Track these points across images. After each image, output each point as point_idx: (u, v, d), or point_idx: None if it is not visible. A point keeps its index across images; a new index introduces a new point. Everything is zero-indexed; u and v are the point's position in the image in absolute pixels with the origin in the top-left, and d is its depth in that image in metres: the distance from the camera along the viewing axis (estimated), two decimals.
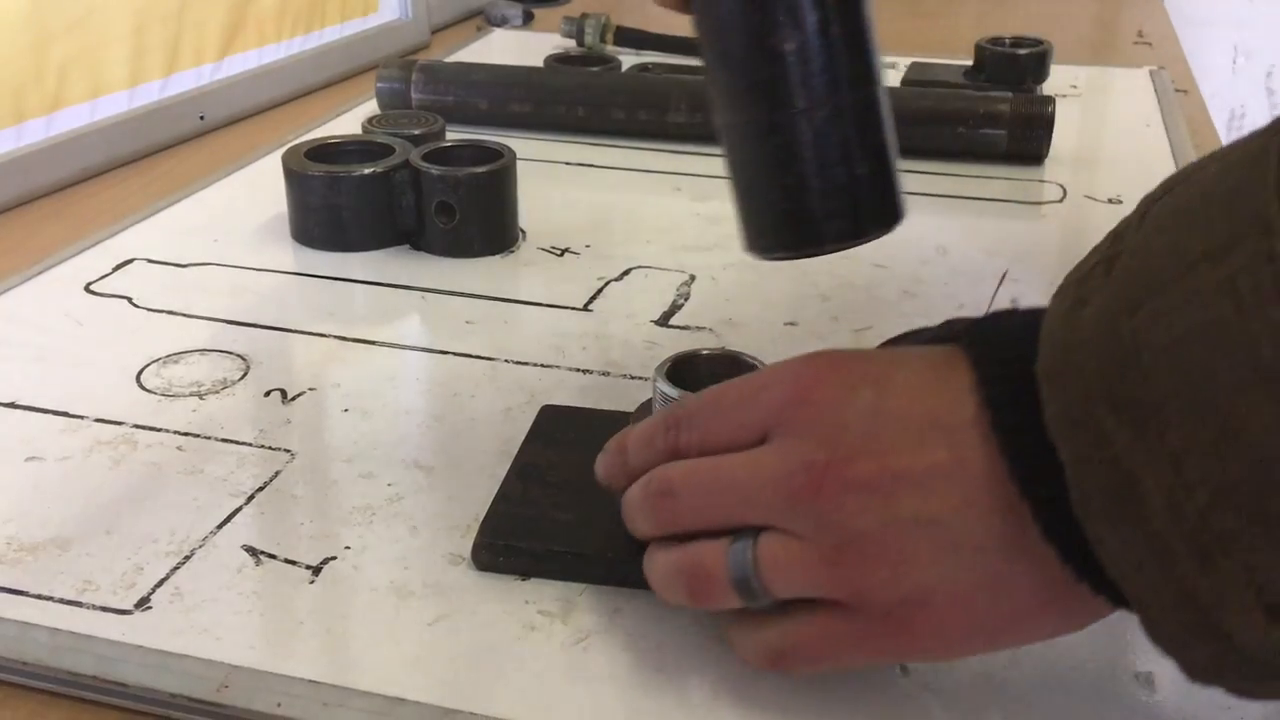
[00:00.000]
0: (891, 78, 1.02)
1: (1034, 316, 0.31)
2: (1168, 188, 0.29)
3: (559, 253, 0.68)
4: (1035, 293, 0.62)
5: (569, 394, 0.52)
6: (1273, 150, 0.25)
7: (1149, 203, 0.29)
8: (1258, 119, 1.84)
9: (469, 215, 0.66)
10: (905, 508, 0.31)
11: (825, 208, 0.38)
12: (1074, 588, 0.29)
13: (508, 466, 0.45)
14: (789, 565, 0.32)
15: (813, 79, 0.37)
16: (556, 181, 0.79)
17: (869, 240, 0.39)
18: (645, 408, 0.43)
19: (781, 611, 0.34)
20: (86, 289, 0.62)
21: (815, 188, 0.38)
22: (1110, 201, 0.75)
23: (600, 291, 0.63)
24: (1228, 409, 0.25)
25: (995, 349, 0.31)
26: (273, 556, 0.42)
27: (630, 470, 0.38)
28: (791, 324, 0.58)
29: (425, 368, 0.55)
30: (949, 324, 0.36)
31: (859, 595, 0.32)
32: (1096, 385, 0.27)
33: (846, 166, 0.38)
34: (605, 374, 0.54)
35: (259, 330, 0.58)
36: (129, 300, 0.61)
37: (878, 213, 0.39)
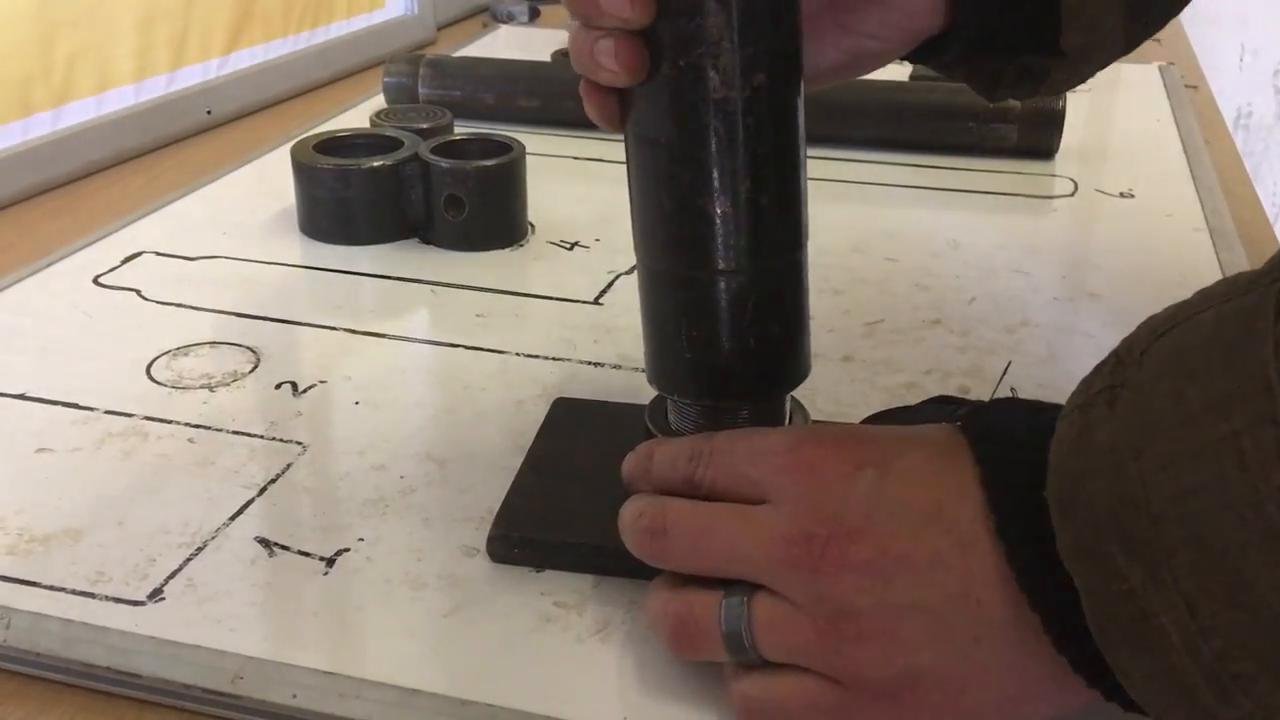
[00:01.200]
0: (900, 73, 1.02)
1: (1034, 415, 0.32)
2: (1170, 320, 0.29)
3: (569, 246, 0.67)
4: (1048, 287, 0.62)
5: (581, 387, 0.52)
6: (1269, 302, 0.26)
7: (1151, 336, 0.29)
8: (1265, 117, 1.84)
9: (478, 208, 0.66)
10: (902, 593, 0.31)
11: (731, 366, 0.38)
12: (1073, 681, 0.30)
13: (520, 459, 0.45)
14: (782, 630, 0.32)
15: (737, 243, 0.36)
16: (565, 175, 0.79)
17: (771, 399, 0.40)
18: (659, 402, 0.42)
19: (767, 667, 0.33)
20: (95, 282, 0.62)
21: (724, 346, 0.38)
22: (1122, 196, 0.75)
23: (611, 285, 0.62)
24: (1237, 564, 0.26)
25: (999, 449, 0.32)
26: (286, 548, 0.41)
27: (652, 480, 0.38)
28: None
29: (436, 361, 0.55)
30: (935, 403, 0.37)
31: (849, 671, 0.32)
32: (1107, 523, 0.28)
33: (758, 329, 0.38)
34: (617, 367, 0.54)
35: (268, 323, 0.58)
36: (138, 293, 0.61)
37: (784, 375, 0.39)
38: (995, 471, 0.31)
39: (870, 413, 0.48)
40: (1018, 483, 0.30)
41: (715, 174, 0.35)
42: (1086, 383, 0.30)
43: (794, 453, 0.34)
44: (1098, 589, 0.28)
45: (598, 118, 0.37)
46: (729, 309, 0.37)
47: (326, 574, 0.40)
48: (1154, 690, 0.28)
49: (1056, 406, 0.31)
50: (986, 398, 0.51)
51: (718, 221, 0.36)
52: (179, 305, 0.60)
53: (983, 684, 0.31)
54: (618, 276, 0.63)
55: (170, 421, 0.49)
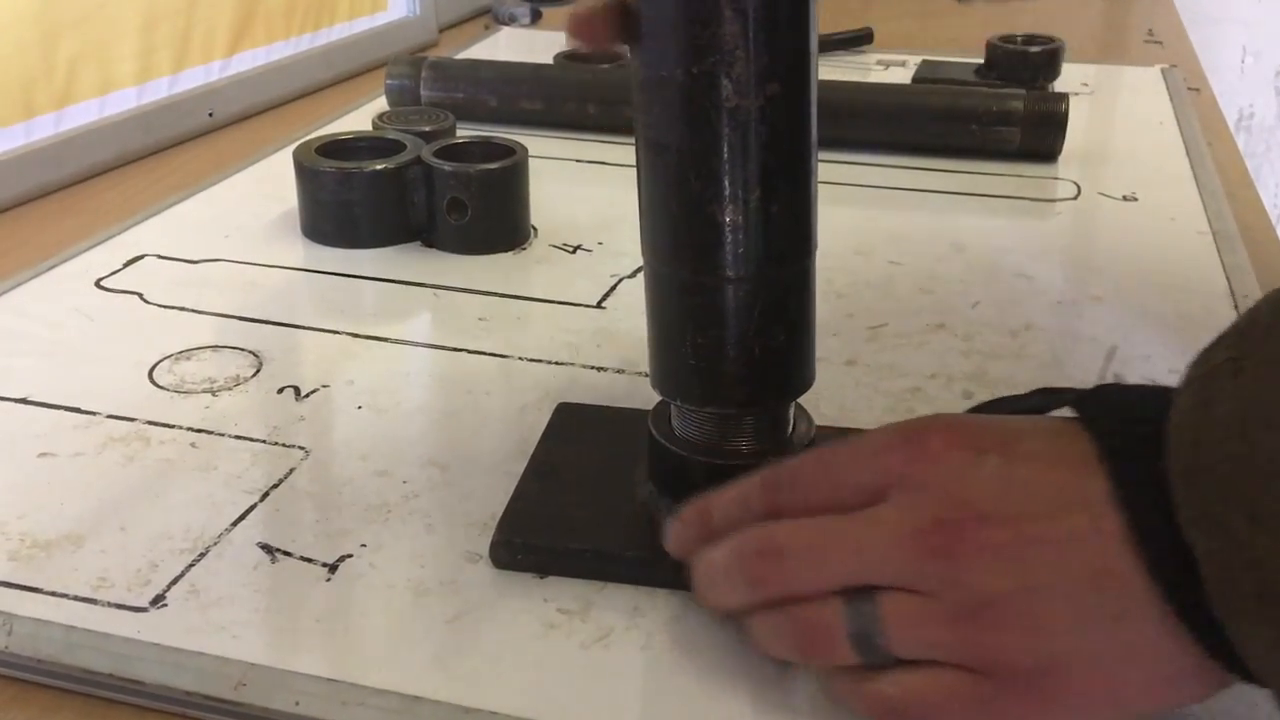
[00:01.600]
0: (902, 75, 1.02)
1: (1144, 394, 0.32)
2: None
3: (571, 250, 0.67)
4: (1052, 290, 0.62)
5: (584, 391, 0.52)
6: None
7: (1276, 311, 0.29)
8: (1266, 119, 1.84)
9: (481, 212, 0.65)
10: (1041, 575, 0.31)
11: (735, 374, 0.38)
12: (1205, 661, 0.29)
13: (524, 464, 0.45)
14: (917, 624, 0.32)
15: (745, 251, 0.36)
16: (567, 178, 0.79)
17: (776, 407, 0.40)
18: (662, 407, 0.42)
19: (899, 665, 0.33)
20: (97, 285, 0.62)
21: (729, 354, 0.38)
22: (1125, 199, 0.75)
23: (614, 289, 0.62)
24: None
25: (1117, 424, 0.32)
26: (288, 554, 0.41)
27: (716, 531, 0.36)
28: None
29: (438, 365, 0.55)
30: (1040, 393, 0.37)
31: (991, 660, 0.31)
32: (1231, 491, 0.27)
33: (763, 338, 0.37)
34: (620, 371, 0.54)
35: (271, 327, 0.58)
36: (140, 296, 0.61)
37: (789, 382, 0.39)
38: (1115, 445, 0.31)
39: (873, 416, 0.48)
40: (1139, 456, 0.30)
41: (726, 181, 0.35)
42: (1205, 356, 0.30)
43: (911, 446, 0.33)
44: (1220, 558, 0.28)
45: (579, 31, 0.37)
46: (735, 316, 0.37)
47: (329, 580, 0.40)
48: (1276, 662, 0.28)
49: (1163, 387, 0.31)
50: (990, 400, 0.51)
51: (727, 229, 0.36)
52: (181, 309, 0.60)
53: (1129, 663, 0.30)
54: (620, 280, 0.63)
55: (172, 426, 0.49)
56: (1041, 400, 0.37)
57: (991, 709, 0.31)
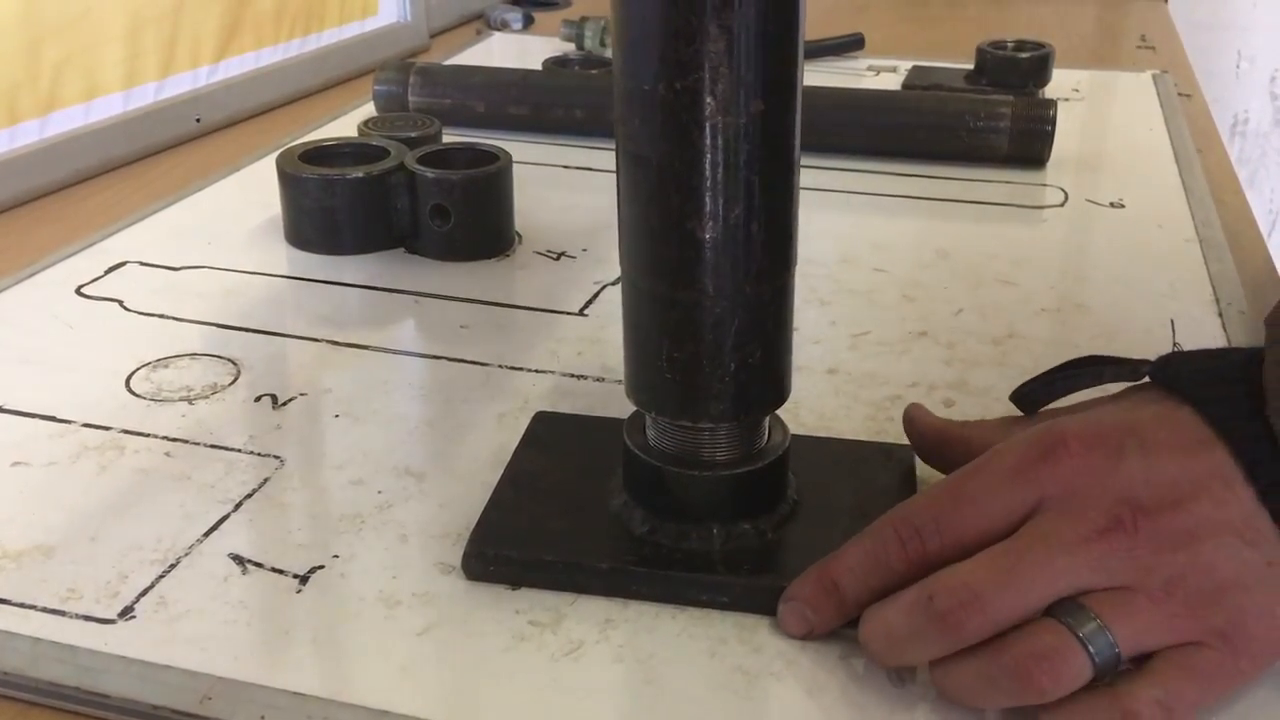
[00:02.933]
0: (892, 81, 1.02)
1: (1221, 358, 0.37)
2: None
3: (555, 256, 0.67)
4: (1037, 298, 0.62)
5: (564, 400, 0.52)
6: None
7: None
8: (1261, 124, 1.84)
9: (464, 218, 0.65)
10: (1205, 544, 0.33)
11: (711, 388, 0.38)
12: None
13: (500, 474, 0.45)
14: (1131, 616, 0.33)
15: (723, 268, 0.36)
16: (553, 185, 0.79)
17: (748, 421, 0.40)
18: (637, 417, 0.42)
19: (1128, 674, 0.33)
20: (78, 291, 0.62)
21: (704, 369, 0.37)
22: (1112, 205, 0.74)
23: (597, 296, 0.62)
24: None
25: (1209, 390, 0.35)
26: (260, 565, 0.41)
27: (857, 602, 0.36)
28: None
29: (418, 373, 0.55)
30: (1071, 368, 0.41)
31: (1201, 629, 0.33)
32: None
33: (741, 353, 0.37)
34: (600, 380, 0.54)
35: (251, 334, 0.58)
36: (120, 303, 0.61)
37: (764, 398, 0.39)
38: (1222, 414, 0.34)
39: (852, 425, 0.48)
40: (1244, 416, 0.34)
41: (706, 198, 0.35)
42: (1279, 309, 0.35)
43: (1050, 457, 0.35)
44: None
45: None
46: (711, 332, 0.37)
47: (300, 592, 0.40)
48: None
49: (1232, 349, 0.37)
50: (972, 410, 0.50)
51: (706, 245, 0.36)
52: (161, 316, 0.59)
53: None
54: (604, 287, 0.63)
55: (148, 435, 0.49)
56: (1104, 371, 0.40)
57: (1235, 670, 0.33)
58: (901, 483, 0.44)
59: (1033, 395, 0.42)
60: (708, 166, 0.35)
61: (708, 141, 0.34)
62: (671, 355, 0.38)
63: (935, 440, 0.43)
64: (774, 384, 0.39)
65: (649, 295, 0.38)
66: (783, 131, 0.35)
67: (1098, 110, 0.96)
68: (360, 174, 0.65)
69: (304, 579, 0.40)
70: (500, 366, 0.55)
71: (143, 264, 0.65)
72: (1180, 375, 0.37)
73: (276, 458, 0.47)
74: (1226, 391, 0.35)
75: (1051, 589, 0.33)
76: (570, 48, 1.12)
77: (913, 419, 0.44)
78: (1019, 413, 0.43)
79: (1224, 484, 0.34)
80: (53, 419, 0.50)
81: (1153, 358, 0.39)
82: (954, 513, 0.35)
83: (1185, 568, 0.33)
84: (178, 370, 0.54)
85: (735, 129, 0.34)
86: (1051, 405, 0.42)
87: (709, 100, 0.34)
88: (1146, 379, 0.38)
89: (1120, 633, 0.33)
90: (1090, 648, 0.32)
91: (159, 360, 0.55)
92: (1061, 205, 0.75)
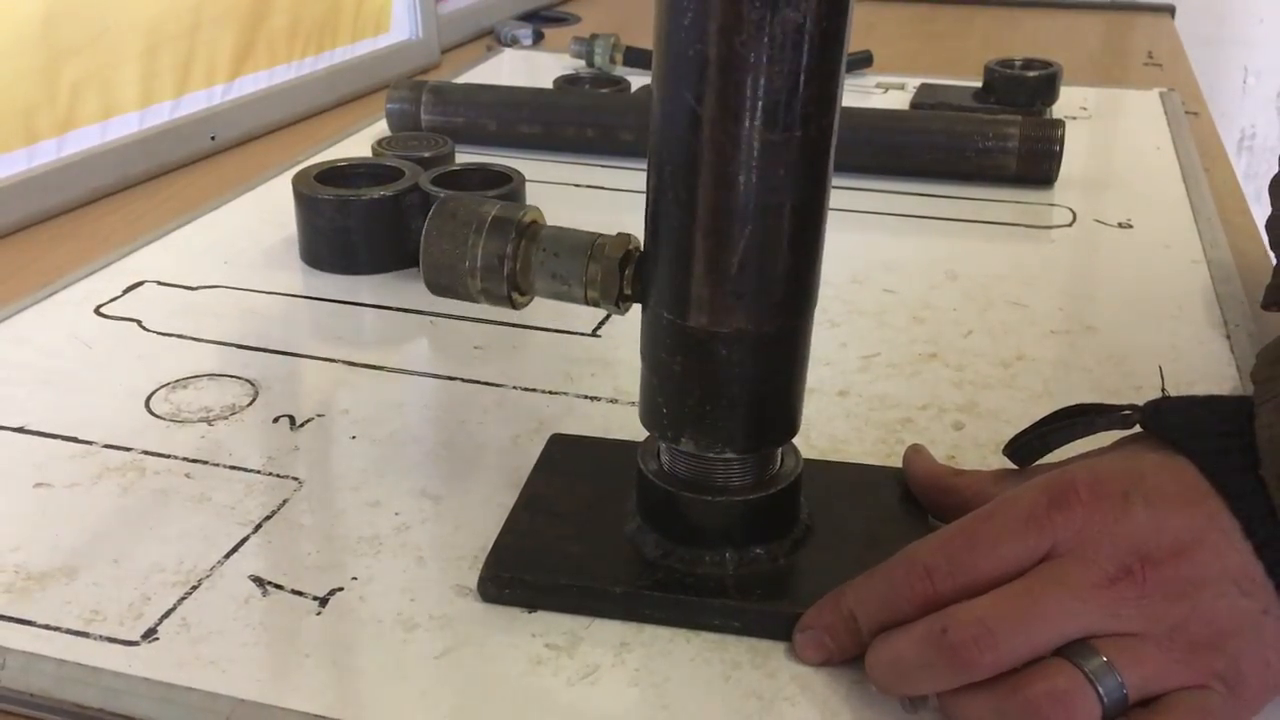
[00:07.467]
0: (900, 98, 1.02)
1: (1215, 407, 0.38)
2: None
3: None
4: (1045, 319, 0.62)
5: (578, 421, 0.52)
6: None
7: None
8: (1268, 139, 1.84)
9: None
10: (1206, 592, 0.34)
11: (726, 420, 0.38)
12: None
13: (516, 496, 0.45)
14: (1139, 661, 0.34)
15: (745, 304, 0.36)
16: (566, 202, 0.79)
17: (763, 452, 0.41)
18: (651, 442, 0.43)
19: (1138, 709, 0.34)
20: (96, 311, 0.63)
21: (721, 400, 0.38)
22: (1120, 226, 0.75)
23: (609, 316, 0.63)
24: None
25: (1212, 446, 0.36)
26: (279, 587, 0.42)
27: (869, 634, 0.37)
28: None
29: (433, 394, 0.55)
30: (1064, 418, 0.41)
31: (1204, 673, 0.34)
32: None
33: (758, 386, 0.38)
34: (614, 401, 0.54)
35: (268, 355, 0.58)
36: (139, 323, 0.61)
37: (778, 429, 0.40)
38: (1218, 467, 0.36)
39: (863, 448, 0.48)
40: (1234, 468, 0.35)
41: (735, 235, 0.35)
42: (1267, 359, 0.37)
43: (1061, 505, 0.36)
44: None
45: None
46: (731, 365, 0.37)
47: (319, 614, 0.40)
48: None
49: (1226, 397, 0.38)
50: (982, 433, 0.51)
51: (731, 280, 0.36)
52: (179, 336, 0.60)
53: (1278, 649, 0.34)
54: None
55: (168, 456, 0.49)
56: (1096, 421, 0.40)
57: (1225, 711, 0.34)
58: (912, 508, 0.44)
59: (1027, 449, 0.42)
60: (739, 204, 0.35)
61: (740, 179, 0.35)
62: (687, 386, 0.38)
63: (927, 485, 0.44)
64: (790, 415, 0.40)
65: (668, 326, 0.38)
66: (815, 173, 0.35)
67: (1105, 128, 0.97)
68: (375, 195, 0.66)
69: (323, 601, 0.41)
70: (514, 388, 0.55)
71: (160, 283, 0.66)
72: (1173, 425, 0.37)
73: (295, 479, 0.48)
74: (1220, 444, 0.36)
75: (1063, 631, 0.34)
76: (581, 64, 1.12)
77: (909, 461, 0.45)
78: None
79: (1222, 534, 0.35)
80: (74, 440, 0.50)
81: (1140, 403, 0.39)
82: (967, 555, 0.36)
83: (1188, 616, 0.34)
84: (196, 391, 0.55)
85: (768, 169, 0.34)
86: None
87: (746, 130, 0.34)
88: (1138, 427, 0.39)
89: (1128, 676, 0.34)
90: (1100, 689, 0.33)
91: (178, 381, 0.55)
92: (1070, 225, 0.76)
